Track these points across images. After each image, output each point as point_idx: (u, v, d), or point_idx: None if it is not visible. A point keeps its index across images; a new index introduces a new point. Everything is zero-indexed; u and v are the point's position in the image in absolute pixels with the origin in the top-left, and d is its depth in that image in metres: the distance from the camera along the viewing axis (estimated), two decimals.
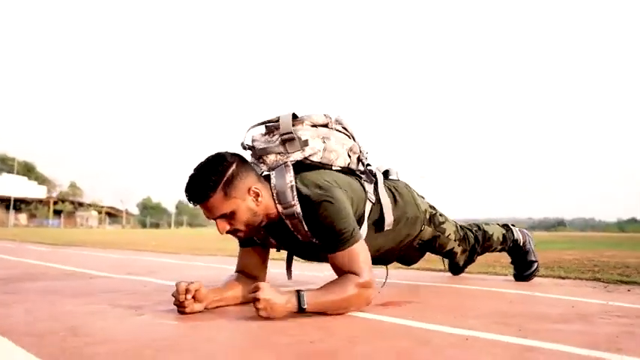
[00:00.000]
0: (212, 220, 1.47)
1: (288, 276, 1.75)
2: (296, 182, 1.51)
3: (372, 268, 1.46)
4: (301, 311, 1.34)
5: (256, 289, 1.33)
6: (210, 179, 1.40)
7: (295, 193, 1.49)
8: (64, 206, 44.35)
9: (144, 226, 47.56)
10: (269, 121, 1.68)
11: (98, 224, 44.31)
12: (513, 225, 2.38)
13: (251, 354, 1.05)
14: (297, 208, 1.48)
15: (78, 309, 1.58)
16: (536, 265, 2.33)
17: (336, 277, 1.47)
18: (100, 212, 48.04)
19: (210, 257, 4.42)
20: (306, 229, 1.50)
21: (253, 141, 1.68)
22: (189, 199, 1.44)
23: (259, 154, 1.63)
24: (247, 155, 1.65)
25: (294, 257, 1.77)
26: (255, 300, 1.32)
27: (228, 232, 1.48)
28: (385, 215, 1.72)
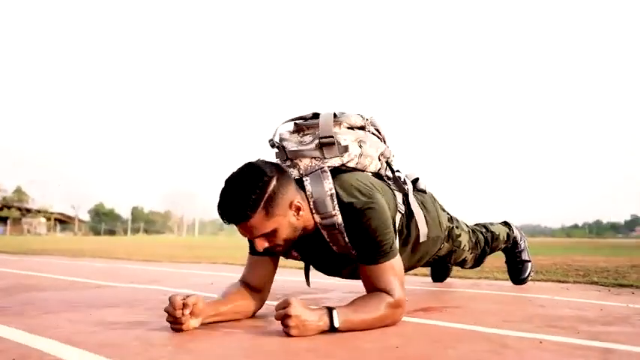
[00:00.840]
0: (247, 237, 1.35)
1: (308, 283, 1.65)
2: (335, 189, 1.39)
3: (404, 286, 1.38)
4: (333, 330, 1.24)
5: (287, 305, 1.21)
6: (249, 198, 1.25)
7: (336, 202, 1.37)
8: (10, 212, 42.07)
9: (97, 233, 45.76)
10: (302, 118, 1.56)
11: (47, 231, 42.22)
12: (509, 223, 2.37)
13: None
14: (339, 219, 1.37)
15: (123, 319, 1.52)
16: (530, 265, 2.35)
17: (365, 289, 1.40)
18: (49, 219, 45.83)
19: (197, 265, 4.34)
20: (346, 240, 1.39)
21: (282, 140, 1.54)
22: (225, 219, 1.30)
23: (291, 157, 1.48)
24: (272, 154, 1.55)
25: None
26: (287, 316, 1.20)
27: (265, 249, 1.35)
28: (420, 227, 1.64)
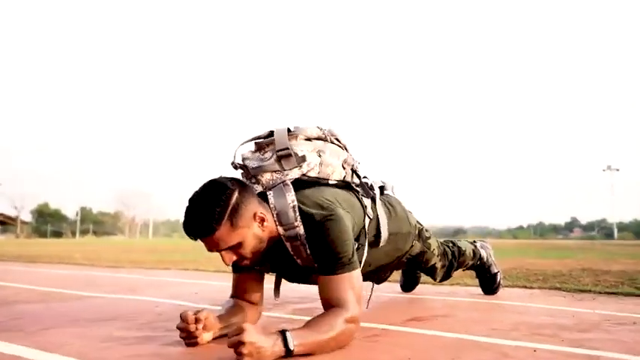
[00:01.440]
0: (214, 252, 1.36)
1: (276, 295, 1.64)
2: (298, 201, 1.43)
3: (361, 301, 1.39)
4: (288, 355, 1.19)
5: (240, 332, 1.17)
6: (214, 211, 1.28)
7: (298, 213, 1.41)
8: None
9: (43, 235, 43.62)
10: (259, 137, 1.60)
11: None
12: (475, 241, 2.48)
13: None
14: (301, 230, 1.40)
15: (129, 334, 1.54)
16: (499, 276, 2.48)
17: (322, 303, 1.39)
18: None
19: (168, 271, 4.30)
20: (308, 252, 1.42)
21: (244, 159, 1.58)
22: (191, 235, 1.31)
23: (253, 174, 1.52)
24: (238, 175, 1.58)
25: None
26: (240, 343, 1.15)
27: (233, 263, 1.38)
28: (382, 230, 1.68)
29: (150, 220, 53.42)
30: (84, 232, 47.85)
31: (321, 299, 1.39)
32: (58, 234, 45.35)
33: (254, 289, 1.59)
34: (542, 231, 59.31)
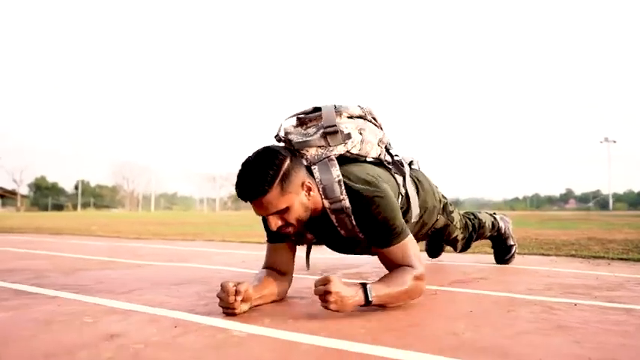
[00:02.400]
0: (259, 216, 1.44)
1: (307, 266, 1.73)
2: (343, 176, 1.50)
3: (422, 260, 1.51)
4: (367, 304, 1.34)
5: (327, 282, 1.30)
6: (267, 174, 1.34)
7: (343, 187, 1.47)
8: None
9: (43, 208, 43.79)
10: (304, 113, 1.66)
11: None
12: (495, 213, 2.57)
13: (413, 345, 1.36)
14: (346, 203, 1.46)
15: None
16: (514, 248, 2.57)
17: (387, 270, 1.51)
18: None
19: (195, 242, 4.52)
20: (353, 223, 1.49)
21: (287, 133, 1.62)
22: (242, 196, 1.39)
23: (297, 147, 1.56)
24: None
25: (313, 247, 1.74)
26: (327, 293, 1.29)
27: (278, 229, 1.44)
28: (412, 207, 1.77)
29: (151, 193, 53.55)
30: (85, 206, 48.05)
31: (387, 268, 1.51)
32: (58, 207, 45.52)
33: (286, 259, 1.64)
34: (537, 202, 59.95)
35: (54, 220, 12.16)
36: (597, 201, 54.79)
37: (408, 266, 1.46)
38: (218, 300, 1.41)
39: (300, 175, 1.42)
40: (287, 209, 1.40)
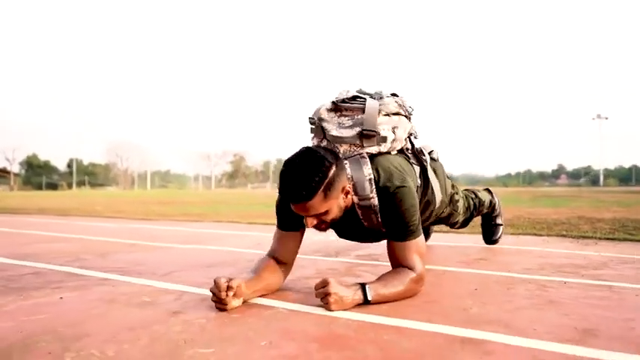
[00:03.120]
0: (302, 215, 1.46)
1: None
2: (373, 173, 1.53)
3: (425, 260, 1.57)
4: (366, 303, 1.42)
5: (326, 284, 1.38)
6: (312, 181, 1.37)
7: (374, 186, 1.52)
8: None
9: (36, 187, 43.68)
10: (343, 101, 1.66)
11: None
12: (490, 190, 2.67)
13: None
14: (375, 201, 1.52)
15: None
16: (501, 228, 2.68)
17: (391, 263, 1.58)
18: None
19: (202, 223, 4.73)
20: (379, 218, 1.54)
21: (321, 119, 1.64)
22: (286, 198, 1.42)
23: (331, 140, 1.59)
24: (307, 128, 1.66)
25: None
26: (327, 294, 1.37)
27: (313, 226, 1.49)
28: (436, 195, 1.87)
29: (147, 171, 53.42)
30: (79, 184, 47.97)
31: (390, 260, 1.58)
32: (52, 186, 45.43)
33: (291, 249, 1.68)
34: (530, 178, 60.57)
35: (53, 200, 12.30)
36: (588, 176, 55.50)
37: (410, 266, 1.52)
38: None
39: (343, 182, 1.45)
40: (326, 212, 1.45)
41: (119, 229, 4.24)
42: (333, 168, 1.41)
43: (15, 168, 51.50)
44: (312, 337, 1.19)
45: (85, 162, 58.94)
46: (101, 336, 1.21)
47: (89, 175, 54.52)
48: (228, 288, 1.40)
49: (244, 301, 1.49)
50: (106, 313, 1.43)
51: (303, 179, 1.38)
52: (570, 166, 65.38)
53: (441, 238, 3.20)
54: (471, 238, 3.15)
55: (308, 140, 1.73)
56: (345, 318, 1.34)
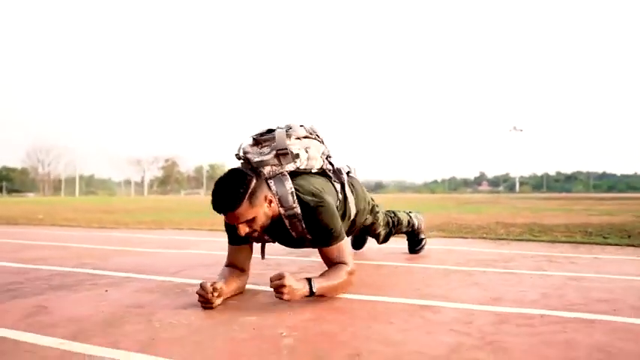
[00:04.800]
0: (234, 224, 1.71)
1: (262, 257, 2.03)
2: (294, 188, 1.81)
3: (352, 258, 1.85)
4: (312, 295, 1.67)
5: (281, 277, 1.60)
6: (238, 192, 1.66)
7: (295, 198, 1.80)
8: None
9: None
10: (260, 135, 1.98)
11: None
12: (410, 212, 2.99)
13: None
14: (298, 210, 1.80)
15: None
16: (424, 241, 3.05)
17: (326, 265, 1.85)
18: None
19: (165, 231, 5.07)
20: (303, 226, 1.82)
21: (245, 152, 1.94)
22: (217, 209, 1.69)
23: (255, 166, 1.87)
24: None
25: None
26: (282, 286, 1.59)
27: (246, 234, 1.74)
28: (350, 208, 2.13)
29: (76, 176, 50.69)
30: None
31: (325, 263, 1.87)
32: None
33: (245, 258, 1.96)
34: (455, 185, 64.25)
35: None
36: (506, 183, 59.76)
37: (343, 263, 1.81)
38: (258, 276, 2.09)
39: (264, 191, 1.75)
40: (253, 219, 1.72)
41: (91, 237, 4.51)
42: (254, 180, 1.72)
43: None
44: (315, 309, 1.73)
45: None
46: (168, 312, 1.68)
47: (4, 181, 50.93)
48: (214, 290, 1.69)
49: (224, 299, 1.78)
50: (159, 299, 1.88)
51: (230, 192, 1.67)
52: (491, 174, 70.18)
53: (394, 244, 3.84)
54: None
55: (235, 148, 2.01)
56: (347, 298, 1.89)
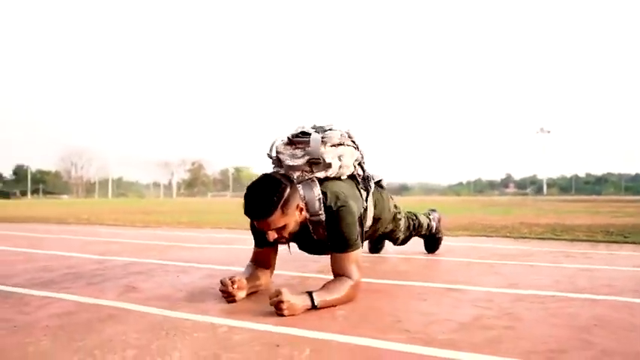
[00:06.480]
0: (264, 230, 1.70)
1: (290, 252, 2.00)
2: (321, 194, 1.81)
3: (361, 270, 1.80)
4: (314, 308, 1.63)
5: (278, 294, 1.58)
6: (272, 200, 1.64)
7: (322, 204, 1.80)
8: None
9: None
10: (295, 136, 1.96)
11: None
12: (429, 214, 2.95)
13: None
14: (323, 217, 1.79)
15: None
16: (441, 240, 3.07)
17: (332, 270, 1.80)
18: None
19: (205, 229, 5.45)
20: (325, 232, 1.82)
21: (278, 152, 1.95)
22: (250, 215, 1.70)
23: (286, 170, 1.89)
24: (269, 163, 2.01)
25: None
26: (280, 302, 1.57)
27: (275, 240, 1.74)
28: (367, 219, 2.09)
29: (109, 179, 52.31)
30: (33, 192, 46.41)
31: (332, 269, 1.81)
32: (3, 194, 43.72)
33: (270, 259, 2.02)
34: (480, 187, 63.57)
35: (23, 209, 12.42)
36: (534, 187, 58.84)
37: (348, 274, 1.76)
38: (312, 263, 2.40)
39: (296, 200, 1.74)
40: (284, 226, 1.72)
41: (141, 234, 4.93)
42: (288, 189, 1.70)
43: None
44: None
45: (32, 169, 57.02)
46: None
47: (39, 183, 52.83)
48: (233, 283, 1.75)
49: (247, 294, 1.84)
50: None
51: (264, 199, 1.66)
52: (517, 176, 69.16)
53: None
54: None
55: (265, 149, 2.06)
56: (385, 283, 2.20)
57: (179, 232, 5.18)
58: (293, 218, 1.73)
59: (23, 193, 45.62)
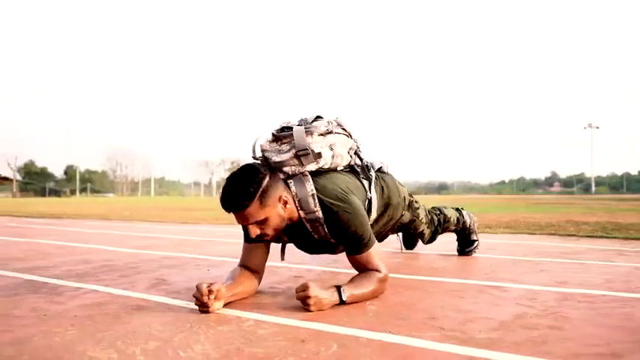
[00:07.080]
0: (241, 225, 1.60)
1: (282, 259, 1.92)
2: (316, 190, 1.67)
3: (385, 263, 1.71)
4: (342, 303, 1.57)
5: (305, 288, 1.51)
6: (247, 190, 1.52)
7: (317, 201, 1.65)
8: None
9: (39, 194, 44.13)
10: (280, 130, 1.78)
11: None
12: (462, 209, 2.76)
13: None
14: (320, 214, 1.65)
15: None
16: (476, 242, 2.77)
17: (357, 272, 1.72)
18: None
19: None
20: (325, 231, 1.68)
21: (263, 150, 1.75)
22: (226, 208, 1.55)
23: (274, 166, 1.70)
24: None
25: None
26: (307, 297, 1.50)
27: (257, 236, 1.61)
28: (372, 210, 1.92)
29: (152, 178, 54.04)
30: (80, 191, 48.48)
31: (354, 269, 1.75)
32: (54, 193, 45.89)
33: (260, 258, 1.81)
34: (523, 185, 61.61)
35: (73, 207, 12.95)
36: (580, 184, 56.47)
37: (375, 269, 1.69)
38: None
39: (278, 190, 1.61)
40: (265, 220, 1.58)
41: (180, 230, 5.00)
42: (267, 178, 1.57)
43: (8, 174, 51.87)
44: (391, 286, 1.96)
45: (81, 169, 59.46)
46: (269, 284, 1.98)
47: (87, 182, 55.06)
48: (210, 292, 1.52)
49: (225, 304, 1.60)
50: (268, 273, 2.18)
51: (239, 189, 1.54)
52: (563, 174, 66.56)
53: None
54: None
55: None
56: (419, 279, 2.11)
57: (216, 228, 5.22)
58: (275, 211, 1.59)
59: (72, 192, 47.75)
